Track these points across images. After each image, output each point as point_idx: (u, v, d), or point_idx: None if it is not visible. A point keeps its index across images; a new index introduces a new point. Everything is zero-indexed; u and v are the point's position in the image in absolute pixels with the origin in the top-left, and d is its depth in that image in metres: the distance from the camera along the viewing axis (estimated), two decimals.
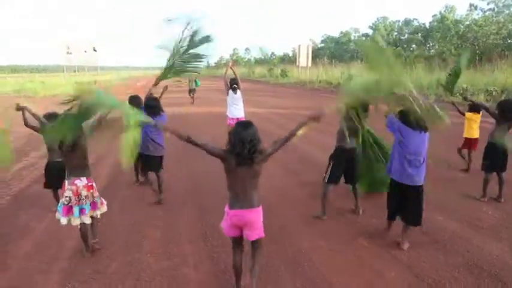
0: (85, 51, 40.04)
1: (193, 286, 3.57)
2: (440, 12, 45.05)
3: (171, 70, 5.34)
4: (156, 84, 5.63)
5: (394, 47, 47.26)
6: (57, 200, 4.93)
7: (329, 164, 4.96)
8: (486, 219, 4.93)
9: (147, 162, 5.60)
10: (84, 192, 3.93)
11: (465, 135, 7.04)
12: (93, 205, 4.05)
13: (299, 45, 37.04)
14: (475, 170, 6.49)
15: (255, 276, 3.26)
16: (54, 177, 5.00)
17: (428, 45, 48.12)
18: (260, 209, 3.12)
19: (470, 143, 6.97)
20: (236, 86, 8.50)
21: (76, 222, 3.95)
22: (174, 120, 14.15)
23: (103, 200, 4.22)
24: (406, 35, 53.37)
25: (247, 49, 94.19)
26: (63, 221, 3.91)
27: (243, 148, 2.88)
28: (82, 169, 3.94)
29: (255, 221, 3.08)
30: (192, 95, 20.17)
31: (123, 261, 4.00)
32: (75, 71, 43.32)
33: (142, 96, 6.02)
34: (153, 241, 4.45)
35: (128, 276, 3.72)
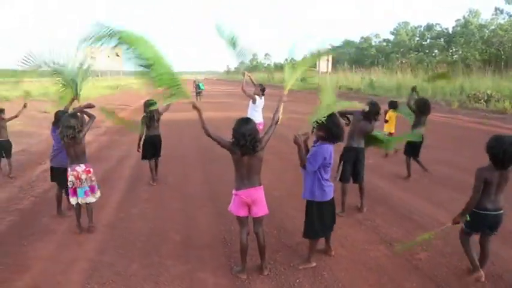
0: (108, 56, 40.79)
1: None
2: (464, 17, 44.28)
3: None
4: (73, 100, 5.47)
5: (416, 52, 46.60)
6: None
7: (340, 163, 5.24)
8: None
9: (61, 176, 5.11)
10: (83, 176, 4.73)
11: (389, 130, 8.63)
12: (92, 188, 4.84)
13: (319, 51, 36.83)
14: None
15: (266, 266, 3.82)
16: None
17: (451, 51, 47.24)
18: (262, 187, 3.68)
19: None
20: (263, 91, 8.40)
21: (82, 201, 4.76)
22: (194, 124, 14.27)
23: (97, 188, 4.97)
24: (428, 40, 52.55)
25: (266, 54, 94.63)
26: (73, 201, 4.78)
27: (245, 140, 3.40)
28: (81, 157, 4.75)
29: (260, 198, 3.66)
30: (198, 97, 24.00)
31: (142, 263, 4.03)
32: (98, 76, 44.17)
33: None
34: (171, 245, 4.47)
35: (147, 279, 3.74)
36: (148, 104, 6.52)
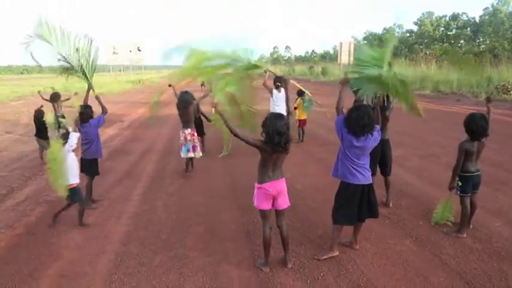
0: (130, 51, 41.33)
1: (235, 283, 3.59)
2: (492, 5, 42.74)
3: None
4: (89, 90, 5.69)
5: (441, 43, 45.35)
6: None
7: None
8: None
9: (93, 166, 5.54)
10: (188, 137, 6.65)
11: (300, 117, 9.24)
12: (194, 147, 6.70)
13: (340, 43, 36.44)
14: None
15: (290, 259, 3.82)
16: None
17: (478, 41, 45.77)
18: (284, 179, 3.68)
19: (304, 122, 9.53)
20: (280, 84, 8.23)
21: (185, 155, 6.72)
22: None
23: (199, 148, 6.88)
24: (454, 30, 50.97)
25: (287, 47, 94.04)
26: (181, 154, 6.74)
27: (280, 139, 3.33)
28: (189, 123, 6.68)
29: (284, 190, 3.66)
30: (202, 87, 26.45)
31: (166, 255, 4.09)
32: (120, 70, 44.82)
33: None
34: (195, 237, 4.51)
35: (171, 270, 3.79)
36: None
